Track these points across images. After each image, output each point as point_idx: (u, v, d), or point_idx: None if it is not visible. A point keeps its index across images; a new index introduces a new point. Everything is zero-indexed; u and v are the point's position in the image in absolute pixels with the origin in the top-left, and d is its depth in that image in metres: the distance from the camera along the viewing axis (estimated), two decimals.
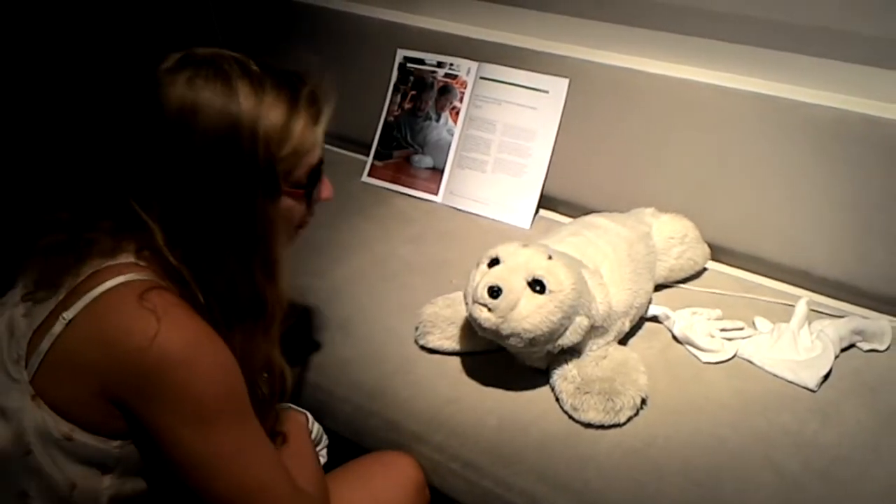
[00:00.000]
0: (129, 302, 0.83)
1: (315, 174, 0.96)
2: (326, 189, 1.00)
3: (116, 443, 0.88)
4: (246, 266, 0.90)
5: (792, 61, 1.45)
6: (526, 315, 1.12)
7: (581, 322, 1.16)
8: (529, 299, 1.12)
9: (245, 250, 0.89)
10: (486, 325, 1.14)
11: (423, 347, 1.34)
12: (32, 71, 1.92)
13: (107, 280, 0.85)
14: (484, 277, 1.15)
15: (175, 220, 0.87)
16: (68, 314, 0.85)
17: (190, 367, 0.83)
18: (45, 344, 0.85)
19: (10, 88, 1.88)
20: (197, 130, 0.84)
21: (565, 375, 1.21)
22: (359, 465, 1.15)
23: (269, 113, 0.87)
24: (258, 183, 0.88)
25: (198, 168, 0.85)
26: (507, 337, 1.14)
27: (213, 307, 0.89)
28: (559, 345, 1.17)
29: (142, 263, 0.88)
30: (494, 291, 1.12)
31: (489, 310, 1.13)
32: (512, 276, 1.13)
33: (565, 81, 1.68)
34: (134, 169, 0.88)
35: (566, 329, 1.15)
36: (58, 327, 0.85)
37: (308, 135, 0.92)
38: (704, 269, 1.52)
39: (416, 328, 1.35)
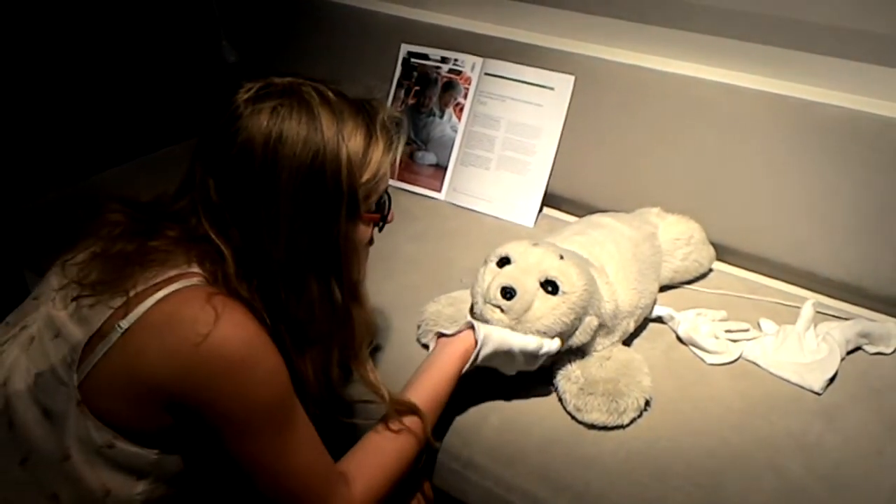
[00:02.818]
0: (193, 299, 0.85)
1: (387, 199, 1.00)
2: (391, 213, 1.04)
3: (154, 451, 0.89)
4: (327, 290, 0.93)
5: (803, 60, 1.44)
6: (540, 317, 1.11)
7: (591, 322, 1.15)
8: (543, 301, 1.11)
9: (328, 274, 0.93)
10: (497, 324, 1.12)
11: (425, 346, 1.33)
12: (32, 71, 1.92)
13: (171, 283, 0.86)
14: (496, 278, 1.13)
15: (253, 249, 0.89)
16: (124, 323, 0.85)
17: (246, 366, 0.85)
18: (99, 351, 0.85)
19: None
20: (283, 160, 0.87)
21: (569, 376, 1.20)
22: None
23: (350, 140, 0.90)
24: (342, 207, 0.90)
25: (284, 196, 0.87)
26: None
27: (282, 334, 0.92)
28: (568, 345, 1.16)
29: (201, 273, 0.89)
30: (508, 293, 1.11)
31: (502, 311, 1.12)
32: (525, 277, 1.12)
33: (571, 78, 1.67)
34: (214, 197, 0.89)
35: (577, 329, 1.14)
36: (113, 336, 0.85)
37: (384, 161, 0.95)
38: (710, 271, 1.51)
39: (419, 326, 1.34)
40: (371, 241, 1.03)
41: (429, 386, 1.06)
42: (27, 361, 0.89)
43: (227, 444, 0.88)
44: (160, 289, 0.86)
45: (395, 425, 1.01)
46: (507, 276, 1.13)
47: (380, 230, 1.03)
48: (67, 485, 0.87)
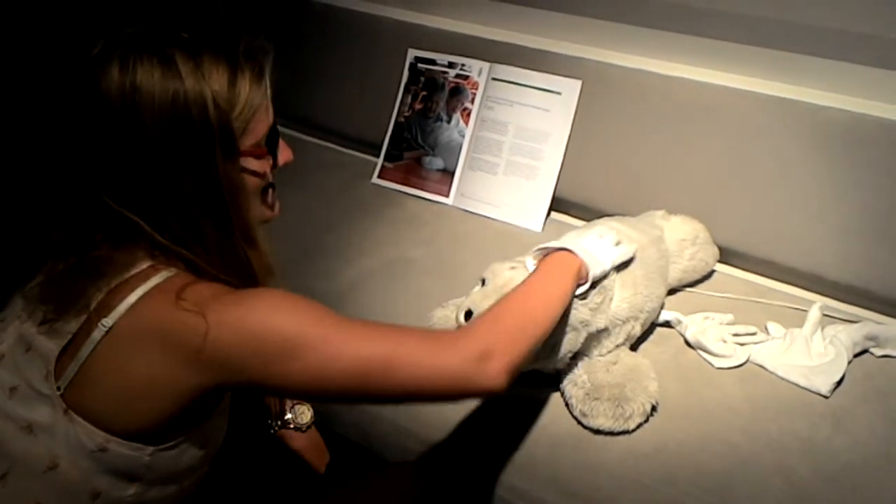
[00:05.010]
0: (169, 305, 0.84)
1: (272, 134, 0.95)
2: (285, 152, 1.00)
3: (150, 449, 0.89)
4: (225, 234, 0.90)
5: (808, 64, 1.44)
6: None
7: (570, 337, 1.15)
8: None
9: (219, 218, 0.90)
10: None
11: None
12: (31, 71, 1.92)
13: (137, 286, 0.86)
14: (465, 300, 1.15)
15: (151, 205, 0.87)
16: (108, 321, 0.84)
17: (248, 324, 0.83)
18: (84, 353, 0.85)
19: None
20: (144, 111, 0.83)
21: (575, 381, 1.20)
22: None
23: (212, 76, 0.86)
24: (216, 145, 0.87)
25: (155, 146, 0.84)
26: None
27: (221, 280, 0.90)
28: (568, 351, 1.16)
29: (159, 263, 0.88)
30: (468, 315, 1.11)
31: None
32: (485, 302, 1.10)
33: (578, 83, 1.67)
34: (95, 166, 0.87)
35: (550, 349, 1.14)
36: (97, 334, 0.85)
37: (255, 91, 0.90)
38: (713, 272, 1.52)
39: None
40: (270, 184, 0.99)
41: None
42: (0, 377, 0.89)
43: (313, 386, 0.85)
44: (134, 288, 0.86)
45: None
46: (471, 299, 1.14)
47: (273, 168, 0.98)
48: (53, 493, 0.87)
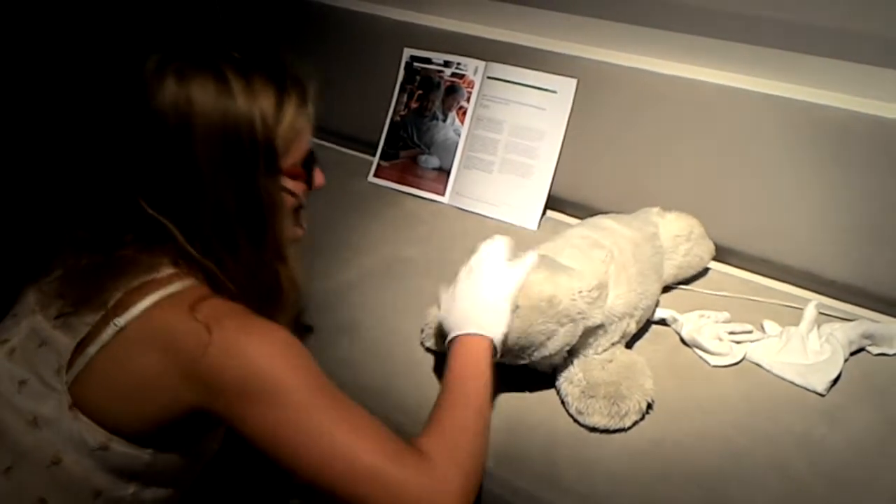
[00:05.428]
0: (181, 314, 0.86)
1: (309, 158, 0.99)
2: (319, 175, 1.04)
3: (149, 451, 0.90)
4: (258, 249, 0.93)
5: (802, 62, 1.44)
6: None
7: (568, 329, 1.14)
8: None
9: (254, 232, 0.92)
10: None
11: (429, 349, 1.33)
12: (32, 72, 1.93)
13: (155, 291, 0.87)
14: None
15: (187, 214, 0.89)
16: (120, 321, 0.86)
17: (241, 357, 0.84)
18: (93, 349, 0.86)
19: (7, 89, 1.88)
20: (196, 123, 0.87)
21: (571, 379, 1.20)
22: None
23: (261, 97, 0.90)
24: (260, 161, 0.90)
25: (201, 158, 0.87)
26: None
27: (243, 298, 0.92)
28: (549, 352, 1.15)
29: (182, 272, 0.90)
30: None
31: None
32: None
33: (574, 82, 1.67)
34: (137, 171, 0.90)
35: (547, 339, 1.14)
36: (108, 333, 0.86)
37: (299, 115, 0.94)
38: (708, 269, 1.52)
39: (422, 330, 1.34)
40: (301, 206, 1.02)
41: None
42: (10, 371, 0.90)
43: (268, 441, 0.85)
44: (150, 292, 0.87)
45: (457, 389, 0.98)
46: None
47: (309, 188, 1.02)
48: (56, 489, 0.88)
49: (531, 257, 1.13)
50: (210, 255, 0.91)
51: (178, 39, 0.93)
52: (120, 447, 0.88)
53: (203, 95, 0.87)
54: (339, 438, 0.84)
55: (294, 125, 0.93)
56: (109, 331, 0.86)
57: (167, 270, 0.90)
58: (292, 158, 0.95)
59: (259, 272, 0.94)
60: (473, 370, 1.02)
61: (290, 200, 0.98)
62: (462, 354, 1.04)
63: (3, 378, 0.91)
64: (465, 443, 0.92)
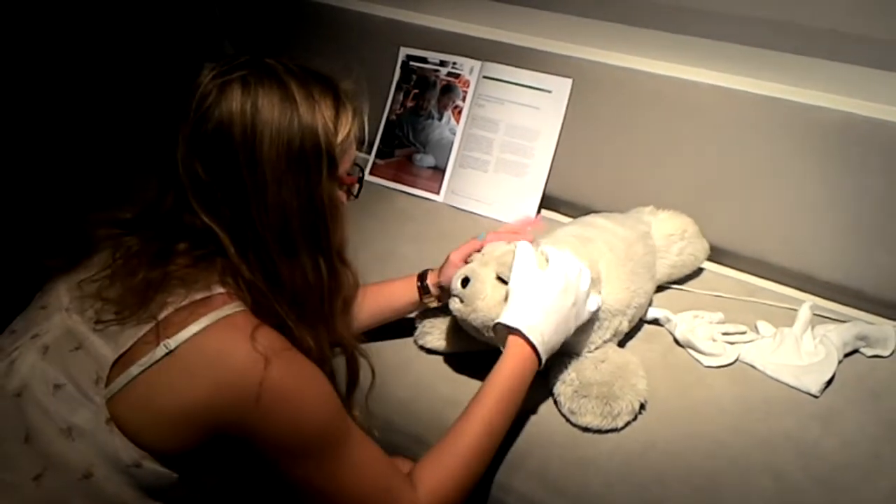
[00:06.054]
0: (238, 342, 0.86)
1: (356, 167, 1.03)
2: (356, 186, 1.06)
3: (177, 472, 0.89)
4: (317, 255, 0.95)
5: (797, 63, 1.44)
6: (492, 305, 1.13)
7: None
8: (496, 289, 1.13)
9: (317, 236, 0.94)
10: (458, 315, 1.17)
11: (422, 348, 1.33)
12: (33, 71, 1.92)
13: (206, 314, 0.87)
14: (460, 269, 1.19)
15: (244, 222, 0.90)
16: (171, 343, 0.85)
17: (297, 399, 0.89)
18: (136, 369, 0.85)
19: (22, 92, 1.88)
20: (262, 130, 0.88)
21: (564, 378, 1.20)
22: None
23: (322, 106, 0.92)
24: (323, 167, 0.92)
25: (268, 163, 0.89)
26: (478, 328, 1.15)
27: (290, 314, 0.93)
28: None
29: (230, 293, 0.90)
30: (465, 282, 1.15)
31: (461, 300, 1.16)
32: (482, 268, 1.16)
33: (569, 81, 1.67)
34: (195, 179, 0.90)
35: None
36: (158, 352, 0.85)
37: (354, 125, 0.97)
38: (702, 269, 1.51)
39: (416, 328, 1.34)
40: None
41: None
42: (44, 371, 0.88)
43: (283, 470, 0.91)
44: (198, 316, 0.87)
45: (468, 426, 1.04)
46: (467, 267, 1.19)
47: (356, 197, 1.04)
48: (85, 502, 0.86)
49: (595, 302, 1.17)
50: (261, 271, 0.91)
51: (203, 42, 0.93)
52: (152, 465, 0.87)
53: (268, 103, 0.88)
54: (350, 484, 0.94)
55: (349, 135, 0.96)
56: (158, 352, 0.84)
57: (216, 289, 0.90)
58: (343, 167, 0.98)
59: (317, 277, 0.95)
60: (520, 384, 1.08)
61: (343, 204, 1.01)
62: (520, 366, 1.08)
63: (37, 377, 0.88)
64: (459, 476, 1.01)
